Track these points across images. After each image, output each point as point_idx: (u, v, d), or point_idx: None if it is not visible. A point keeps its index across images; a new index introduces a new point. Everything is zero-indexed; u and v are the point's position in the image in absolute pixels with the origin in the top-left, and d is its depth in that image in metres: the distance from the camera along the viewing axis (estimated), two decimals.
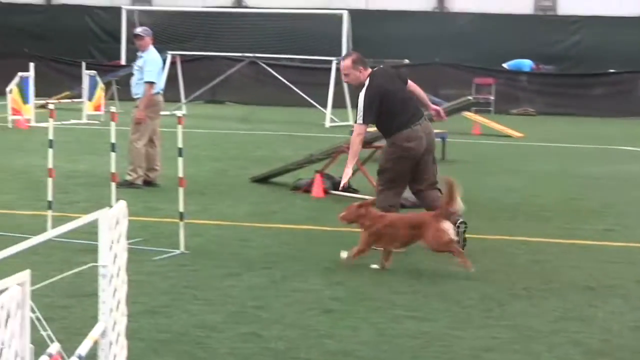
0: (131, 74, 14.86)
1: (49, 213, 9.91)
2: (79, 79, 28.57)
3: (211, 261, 9.05)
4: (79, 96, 28.03)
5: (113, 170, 9.92)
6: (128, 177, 13.71)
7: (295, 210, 12.44)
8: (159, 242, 9.79)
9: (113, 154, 9.88)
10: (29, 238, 3.95)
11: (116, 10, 37.62)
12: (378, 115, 9.85)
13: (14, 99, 24.02)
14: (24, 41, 38.79)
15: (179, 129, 9.29)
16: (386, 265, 8.91)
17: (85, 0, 41.00)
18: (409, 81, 10.28)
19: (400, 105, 9.87)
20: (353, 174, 13.56)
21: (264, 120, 28.16)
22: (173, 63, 30.19)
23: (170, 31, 33.58)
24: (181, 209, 9.46)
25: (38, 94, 25.59)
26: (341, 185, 10.48)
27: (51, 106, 10.22)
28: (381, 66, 11.15)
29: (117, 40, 36.78)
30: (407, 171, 9.85)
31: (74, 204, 12.04)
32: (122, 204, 4.87)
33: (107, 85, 29.47)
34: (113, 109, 10.32)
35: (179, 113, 9.79)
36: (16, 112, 24.02)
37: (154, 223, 10.99)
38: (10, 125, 23.40)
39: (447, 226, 8.82)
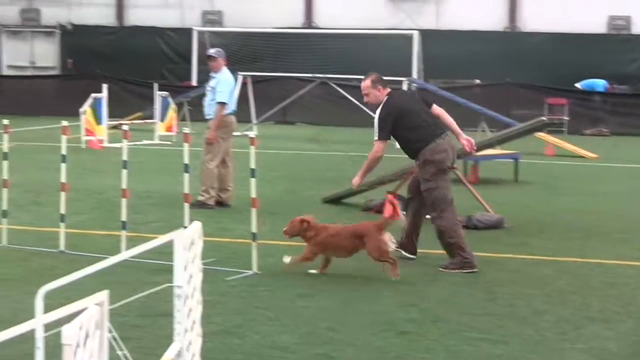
0: (202, 95, 14.97)
1: (123, 233, 9.99)
2: (150, 99, 28.89)
3: (283, 282, 9.06)
4: (151, 117, 28.30)
5: (186, 190, 9.98)
6: (200, 198, 13.78)
7: None
8: (231, 262, 9.82)
9: (186, 175, 9.94)
10: (103, 258, 3.97)
11: (187, 32, 37.97)
12: (395, 134, 10.15)
13: (87, 119, 24.35)
14: (96, 62, 39.29)
15: (252, 150, 9.32)
16: (324, 271, 9.47)
17: (156, 22, 41.40)
18: (436, 106, 10.47)
19: (417, 121, 10.10)
20: None
21: (335, 141, 28.14)
22: (244, 84, 30.29)
23: (240, 52, 33.71)
24: (254, 229, 9.48)
25: (111, 115, 25.93)
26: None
27: (125, 127, 10.30)
28: (412, 87, 11.53)
29: (188, 61, 37.10)
30: (449, 184, 10.09)
31: (147, 224, 12.13)
32: (197, 224, 4.89)
33: (179, 106, 29.73)
34: (186, 129, 10.38)
35: (251, 134, 9.80)
36: (90, 132, 24.32)
37: (227, 243, 11.03)
38: (83, 145, 23.68)
39: (387, 237, 9.30)
